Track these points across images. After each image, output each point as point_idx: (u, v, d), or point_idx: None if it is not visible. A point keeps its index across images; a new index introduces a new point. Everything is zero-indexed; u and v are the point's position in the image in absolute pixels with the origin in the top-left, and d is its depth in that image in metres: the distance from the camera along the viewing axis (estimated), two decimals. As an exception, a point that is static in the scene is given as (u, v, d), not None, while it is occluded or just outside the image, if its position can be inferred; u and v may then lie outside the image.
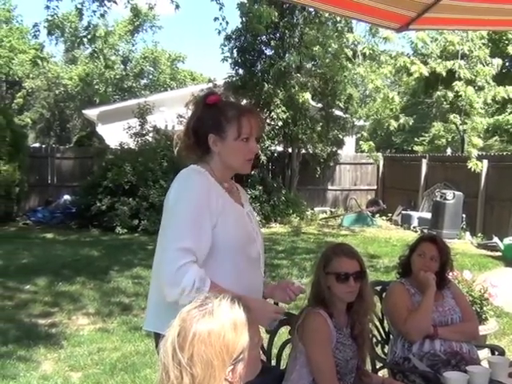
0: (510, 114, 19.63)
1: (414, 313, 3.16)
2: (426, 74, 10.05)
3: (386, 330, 3.51)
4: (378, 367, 3.28)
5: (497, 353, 3.32)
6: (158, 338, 2.19)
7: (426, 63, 10.17)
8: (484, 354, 3.66)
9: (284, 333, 3.02)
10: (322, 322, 2.61)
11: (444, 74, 10.29)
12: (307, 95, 13.34)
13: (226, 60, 14.53)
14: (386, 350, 3.47)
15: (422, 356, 3.12)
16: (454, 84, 10.44)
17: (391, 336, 3.43)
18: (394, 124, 11.41)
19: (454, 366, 2.98)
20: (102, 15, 10.43)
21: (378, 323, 3.47)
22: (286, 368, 2.80)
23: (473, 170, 10.69)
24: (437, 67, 9.98)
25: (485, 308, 4.50)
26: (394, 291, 3.35)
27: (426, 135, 28.10)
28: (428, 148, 27.31)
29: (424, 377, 3.00)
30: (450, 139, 26.69)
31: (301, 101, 13.20)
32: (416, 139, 28.57)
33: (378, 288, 3.55)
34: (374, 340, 3.39)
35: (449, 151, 22.96)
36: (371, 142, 12.34)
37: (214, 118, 2.28)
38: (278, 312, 2.24)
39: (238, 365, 1.47)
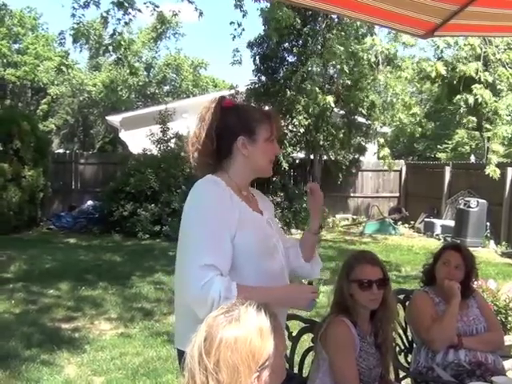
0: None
1: (438, 322, 3.11)
2: (444, 73, 9.90)
3: (410, 338, 3.48)
4: (401, 376, 3.25)
5: (523, 363, 3.27)
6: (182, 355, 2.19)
7: (448, 68, 10.07)
8: (509, 364, 3.60)
9: (305, 340, 3.00)
10: (346, 330, 2.60)
11: (467, 75, 10.18)
12: (330, 98, 13.32)
13: (237, 64, 14.37)
14: (409, 359, 3.43)
15: (446, 366, 3.08)
16: (473, 86, 10.33)
17: (414, 345, 3.39)
18: (418, 130, 11.30)
19: (478, 376, 2.93)
20: (127, 23, 10.56)
21: (401, 332, 3.44)
22: (308, 376, 2.79)
23: (491, 175, 10.56)
24: (459, 70, 9.86)
25: (510, 318, 4.44)
26: (418, 300, 3.32)
27: (449, 142, 27.83)
28: (451, 155, 27.03)
29: (448, 387, 2.97)
30: (473, 146, 26.38)
31: (322, 104, 13.10)
32: (439, 146, 28.30)
33: (401, 296, 3.52)
34: (397, 349, 3.36)
35: (473, 159, 22.69)
36: (387, 149, 12.23)
37: (243, 120, 2.23)
38: (314, 291, 2.19)
39: (263, 372, 1.47)
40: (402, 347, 3.46)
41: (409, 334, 3.47)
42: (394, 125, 16.56)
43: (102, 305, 7.16)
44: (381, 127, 14.86)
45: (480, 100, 10.13)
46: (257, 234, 2.23)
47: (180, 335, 2.27)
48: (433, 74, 9.91)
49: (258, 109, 2.39)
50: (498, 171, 10.36)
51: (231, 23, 11.00)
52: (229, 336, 1.46)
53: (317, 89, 13.59)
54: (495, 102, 10.62)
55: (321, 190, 2.59)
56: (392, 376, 3.04)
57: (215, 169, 2.29)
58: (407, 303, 3.46)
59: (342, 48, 12.50)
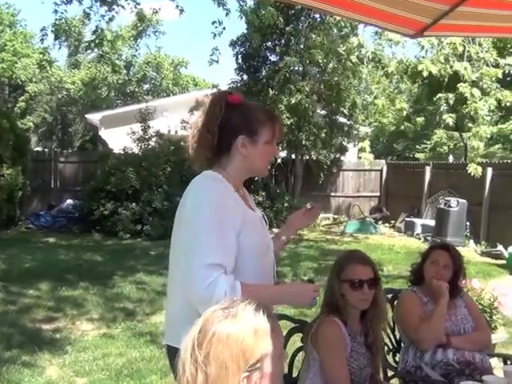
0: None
1: (426, 321, 3.11)
2: (435, 72, 9.94)
3: (397, 338, 3.48)
4: (389, 376, 3.25)
5: (509, 362, 3.28)
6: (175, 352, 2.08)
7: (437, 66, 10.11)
8: (494, 362, 3.62)
9: (295, 340, 2.98)
10: (337, 330, 2.59)
11: (448, 75, 10.24)
12: (302, 95, 13.33)
13: (215, 63, 14.24)
14: (397, 359, 3.43)
15: (435, 365, 3.08)
16: (458, 85, 10.40)
17: (402, 344, 3.39)
18: (406, 125, 11.37)
19: (468, 375, 2.94)
20: (111, 19, 10.45)
21: (389, 331, 3.43)
22: (299, 376, 2.77)
23: (472, 174, 10.63)
24: (442, 69, 9.91)
25: (494, 317, 4.47)
26: (406, 299, 3.32)
27: (428, 142, 28.08)
28: (430, 155, 27.28)
29: (437, 386, 2.97)
30: (451, 147, 26.66)
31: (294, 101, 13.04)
32: (418, 146, 28.54)
33: (389, 296, 3.51)
34: (386, 348, 3.36)
35: (451, 159, 22.93)
36: (367, 141, 12.27)
37: (246, 119, 2.21)
38: (315, 289, 2.19)
39: (254, 373, 1.44)
40: (390, 347, 3.46)
41: (397, 333, 3.47)
42: (374, 124, 16.64)
43: (84, 305, 7.08)
44: (363, 121, 14.90)
45: (468, 97, 10.14)
46: (256, 232, 2.24)
47: (176, 333, 2.21)
48: (425, 74, 9.96)
49: (264, 110, 2.35)
50: (480, 169, 10.45)
51: (213, 22, 10.94)
52: (222, 331, 1.44)
53: (292, 87, 13.62)
54: (474, 102, 10.70)
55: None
56: (380, 375, 3.04)
57: (212, 163, 2.25)
58: (395, 303, 3.46)
59: (326, 43, 12.50)
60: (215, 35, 11.24)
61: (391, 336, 3.47)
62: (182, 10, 11.01)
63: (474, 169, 10.47)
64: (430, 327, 3.10)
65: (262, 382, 1.45)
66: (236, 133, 2.20)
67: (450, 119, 11.25)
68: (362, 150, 12.40)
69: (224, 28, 10.99)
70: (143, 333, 5.98)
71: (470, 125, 10.56)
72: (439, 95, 13.00)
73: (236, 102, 2.23)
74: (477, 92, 9.82)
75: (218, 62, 13.18)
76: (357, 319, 2.70)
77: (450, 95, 12.22)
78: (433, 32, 3.18)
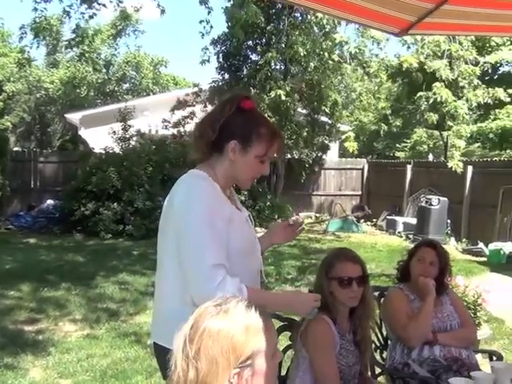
0: (493, 120, 19.80)
1: (414, 319, 3.14)
2: (416, 65, 10.07)
3: (384, 335, 3.49)
4: (376, 373, 3.26)
5: (495, 358, 3.31)
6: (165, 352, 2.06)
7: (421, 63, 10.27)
8: (479, 358, 3.65)
9: (281, 338, 2.97)
10: (326, 328, 2.59)
11: (427, 74, 10.40)
12: (281, 92, 13.38)
13: (206, 63, 14.30)
14: (384, 356, 3.45)
15: (422, 361, 3.10)
16: (433, 85, 10.48)
17: (389, 341, 3.41)
18: (383, 127, 11.53)
19: (455, 371, 2.97)
20: (91, 17, 10.35)
21: (376, 328, 3.45)
22: (288, 374, 2.77)
23: (453, 169, 10.69)
24: (425, 65, 10.06)
25: (478, 313, 4.52)
26: (393, 297, 3.34)
27: (408, 141, 28.26)
28: (410, 154, 27.47)
29: (424, 382, 2.99)
30: (431, 145, 26.87)
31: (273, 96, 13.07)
32: (398, 145, 28.72)
33: (376, 293, 3.53)
34: (373, 345, 3.37)
35: (430, 157, 23.11)
36: (352, 133, 12.40)
37: (246, 126, 2.20)
38: (316, 300, 2.23)
39: (244, 370, 1.44)
40: (378, 344, 3.47)
41: (383, 330, 3.49)
42: (354, 123, 16.71)
43: (66, 306, 6.99)
44: (347, 117, 14.95)
45: (439, 99, 10.29)
46: (242, 231, 2.24)
47: (167, 332, 2.18)
48: (405, 65, 10.05)
49: (269, 126, 2.32)
50: (461, 164, 10.53)
51: (201, 21, 10.90)
52: (213, 326, 1.45)
53: (272, 82, 13.64)
54: (454, 101, 10.81)
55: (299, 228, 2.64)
56: (368, 373, 3.05)
57: (204, 159, 2.27)
58: (382, 300, 3.47)
59: (307, 42, 12.53)
60: (203, 34, 11.23)
61: (378, 333, 3.49)
62: (163, 10, 10.97)
63: (454, 164, 10.59)
64: (417, 325, 3.12)
65: (253, 380, 1.45)
66: (231, 136, 2.20)
67: (433, 117, 11.37)
68: (346, 139, 12.48)
69: (211, 27, 11.00)
70: (127, 333, 5.94)
71: (450, 123, 10.67)
72: (420, 93, 13.15)
73: (246, 108, 2.23)
74: (446, 93, 9.96)
75: (209, 61, 13.20)
76: (345, 317, 2.71)
77: (430, 93, 12.39)
78: (418, 30, 3.19)
